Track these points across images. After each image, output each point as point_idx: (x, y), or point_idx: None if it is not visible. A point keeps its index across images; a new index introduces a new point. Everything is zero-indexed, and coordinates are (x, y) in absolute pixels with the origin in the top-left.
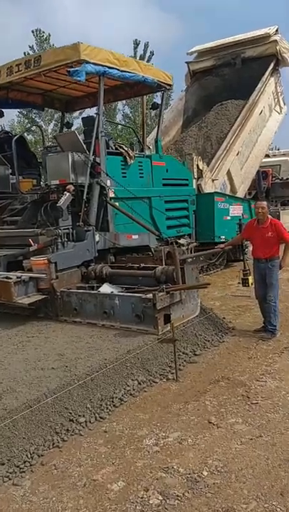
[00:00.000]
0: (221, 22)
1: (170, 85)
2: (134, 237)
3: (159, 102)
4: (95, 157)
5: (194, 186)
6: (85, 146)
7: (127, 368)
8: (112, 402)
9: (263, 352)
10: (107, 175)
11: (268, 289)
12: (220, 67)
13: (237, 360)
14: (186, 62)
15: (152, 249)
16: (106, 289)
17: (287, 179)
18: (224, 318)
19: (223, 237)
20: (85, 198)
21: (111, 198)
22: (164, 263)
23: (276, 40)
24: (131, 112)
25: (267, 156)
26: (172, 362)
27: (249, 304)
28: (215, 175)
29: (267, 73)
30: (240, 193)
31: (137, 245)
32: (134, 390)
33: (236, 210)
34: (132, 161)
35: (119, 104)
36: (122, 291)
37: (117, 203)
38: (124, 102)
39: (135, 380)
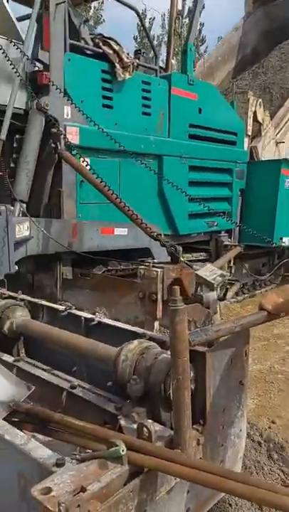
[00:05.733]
0: None
1: None
2: (118, 231)
3: None
4: (36, 50)
5: (246, 148)
6: (18, 24)
7: None
8: None
9: None
10: (66, 94)
11: None
12: None
13: None
14: None
15: (139, 271)
16: None
17: None
18: None
19: (287, 239)
20: (15, 140)
21: (71, 147)
22: (158, 312)
23: None
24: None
25: None
26: None
27: None
28: (281, 136)
29: None
30: None
31: (125, 248)
32: None
33: None
34: (128, 76)
35: None
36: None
37: (85, 162)
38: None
39: None
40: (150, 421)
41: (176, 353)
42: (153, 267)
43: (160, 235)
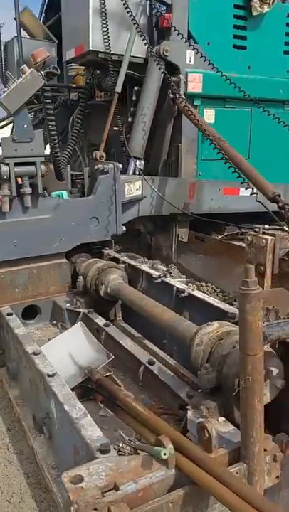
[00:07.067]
0: None
1: None
2: (244, 191)
3: None
4: None
5: None
6: None
7: None
8: None
9: None
10: (189, 37)
11: None
12: None
13: None
14: None
15: (247, 237)
16: (61, 347)
17: None
18: None
19: None
20: (134, 93)
21: (190, 96)
22: (265, 287)
23: None
24: None
25: None
26: None
27: None
28: None
29: None
30: None
31: (251, 210)
32: None
33: None
34: (267, 9)
35: None
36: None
37: (208, 114)
38: None
39: None
40: (221, 419)
41: (245, 349)
42: (263, 233)
43: (279, 195)
